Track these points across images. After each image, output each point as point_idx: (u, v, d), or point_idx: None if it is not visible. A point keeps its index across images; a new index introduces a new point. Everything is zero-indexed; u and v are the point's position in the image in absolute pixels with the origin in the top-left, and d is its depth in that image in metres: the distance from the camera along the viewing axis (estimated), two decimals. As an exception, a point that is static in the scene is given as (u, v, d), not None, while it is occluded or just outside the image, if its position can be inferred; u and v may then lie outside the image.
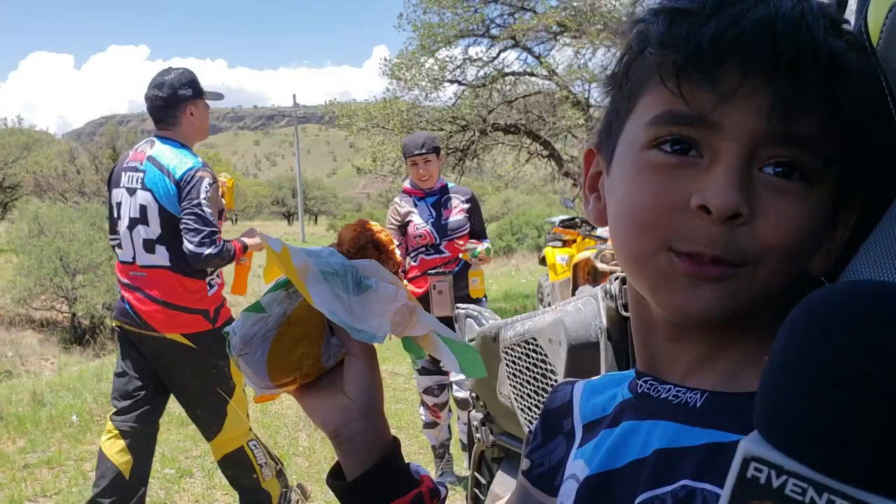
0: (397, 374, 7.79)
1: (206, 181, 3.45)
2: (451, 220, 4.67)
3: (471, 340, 1.86)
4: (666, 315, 0.62)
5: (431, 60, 12.96)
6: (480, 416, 1.92)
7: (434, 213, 4.69)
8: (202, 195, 3.37)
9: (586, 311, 1.31)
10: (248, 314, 0.76)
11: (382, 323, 0.76)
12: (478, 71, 13.28)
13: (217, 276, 3.66)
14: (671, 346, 0.66)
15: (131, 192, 3.58)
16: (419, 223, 4.68)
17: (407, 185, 4.80)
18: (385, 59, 13.45)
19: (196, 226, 3.31)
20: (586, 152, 0.71)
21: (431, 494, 0.77)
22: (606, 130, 0.67)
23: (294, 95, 47.28)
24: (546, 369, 1.43)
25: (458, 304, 2.01)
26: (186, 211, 3.36)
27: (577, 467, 0.72)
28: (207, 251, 3.29)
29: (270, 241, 0.73)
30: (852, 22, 0.85)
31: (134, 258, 3.56)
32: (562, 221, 9.80)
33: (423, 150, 4.52)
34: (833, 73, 0.55)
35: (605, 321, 1.28)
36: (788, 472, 0.32)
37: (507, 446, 1.87)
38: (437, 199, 4.72)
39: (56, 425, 6.55)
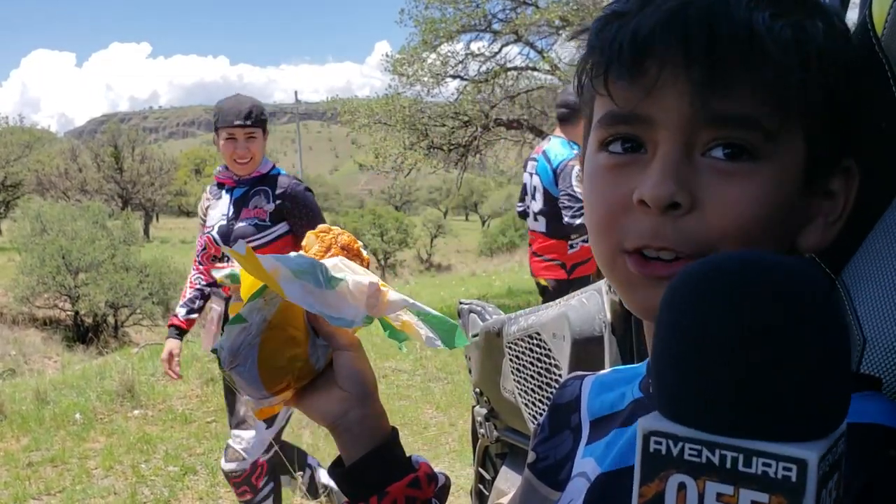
0: (400, 371, 7.80)
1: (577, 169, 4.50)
2: (237, 225, 3.41)
3: (474, 335, 1.86)
4: (638, 316, 0.62)
5: (433, 56, 12.94)
6: (484, 411, 1.92)
7: (233, 212, 3.45)
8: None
9: (590, 306, 1.31)
10: (232, 326, 0.79)
11: (357, 308, 0.80)
12: (480, 66, 13.25)
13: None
14: None
15: None
16: (209, 224, 3.54)
17: (219, 169, 3.58)
18: (387, 55, 13.44)
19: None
20: (578, 163, 0.73)
21: (428, 479, 0.79)
22: (584, 140, 0.68)
23: (296, 92, 47.22)
24: (550, 364, 1.43)
25: (462, 300, 2.00)
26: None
27: (586, 465, 0.71)
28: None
29: (235, 247, 0.74)
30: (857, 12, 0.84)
31: None
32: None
33: (247, 122, 3.31)
34: (752, 47, 0.54)
35: (608, 315, 1.28)
36: (683, 438, 0.35)
37: (511, 442, 1.88)
38: (244, 193, 3.45)
39: (59, 423, 6.57)
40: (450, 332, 0.87)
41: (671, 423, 0.36)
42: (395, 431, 0.83)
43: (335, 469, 0.81)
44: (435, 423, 6.30)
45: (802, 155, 0.59)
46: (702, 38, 0.54)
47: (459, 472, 5.27)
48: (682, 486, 0.34)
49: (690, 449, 0.34)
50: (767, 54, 0.55)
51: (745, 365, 0.34)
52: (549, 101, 12.71)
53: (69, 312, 18.90)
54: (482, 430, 1.94)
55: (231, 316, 0.81)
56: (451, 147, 12.84)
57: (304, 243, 0.90)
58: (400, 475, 0.78)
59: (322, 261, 0.84)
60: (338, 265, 0.84)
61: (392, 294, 0.86)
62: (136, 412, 6.91)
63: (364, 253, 0.91)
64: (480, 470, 2.04)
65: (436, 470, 0.82)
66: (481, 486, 2.02)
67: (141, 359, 9.28)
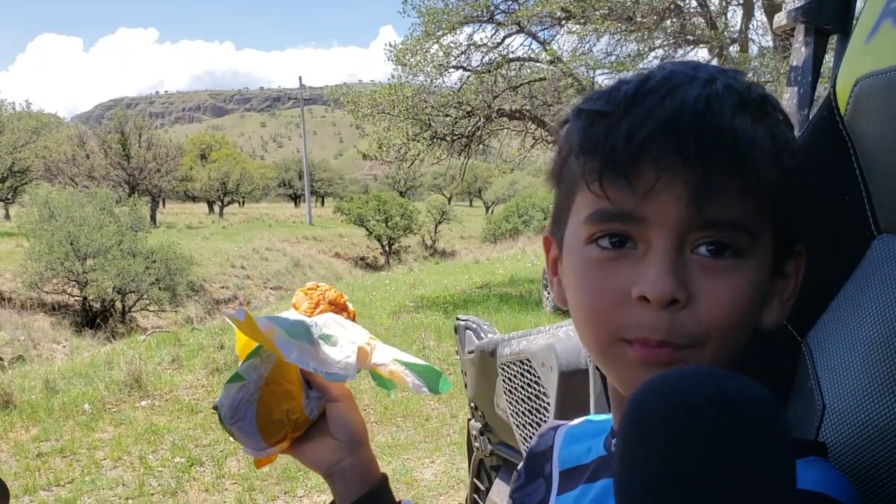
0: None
1: None
2: None
3: (470, 352, 1.91)
4: (627, 396, 0.66)
5: (436, 46, 12.91)
6: (479, 425, 1.98)
7: None
8: None
9: (577, 338, 1.35)
10: (231, 385, 0.84)
11: (349, 362, 0.86)
12: (482, 57, 13.22)
13: None
14: None
15: None
16: None
17: None
18: (390, 45, 13.42)
19: None
20: (544, 238, 0.75)
21: None
22: (556, 221, 0.71)
23: (300, 77, 46.99)
24: (539, 391, 1.48)
25: (459, 316, 2.05)
26: None
27: None
28: None
29: (236, 314, 0.79)
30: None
31: None
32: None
33: None
34: (742, 155, 0.58)
35: (594, 350, 1.32)
36: None
37: (504, 456, 1.93)
38: None
39: (69, 413, 6.66)
40: (434, 380, 0.93)
41: None
42: (384, 477, 0.89)
43: None
44: (437, 415, 6.37)
45: (771, 245, 0.63)
46: (696, 147, 0.57)
47: (460, 464, 5.34)
48: None
49: None
50: (753, 162, 0.58)
51: (697, 487, 0.40)
52: (552, 91, 12.70)
53: (77, 298, 19.04)
54: (477, 444, 1.99)
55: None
56: (455, 137, 12.85)
57: (293, 301, 0.96)
58: None
59: (313, 318, 0.90)
60: (328, 322, 0.90)
61: (380, 347, 0.92)
62: (143, 403, 7.00)
63: (350, 307, 0.97)
64: (475, 481, 2.09)
65: None
66: (476, 497, 2.08)
67: (148, 347, 9.37)
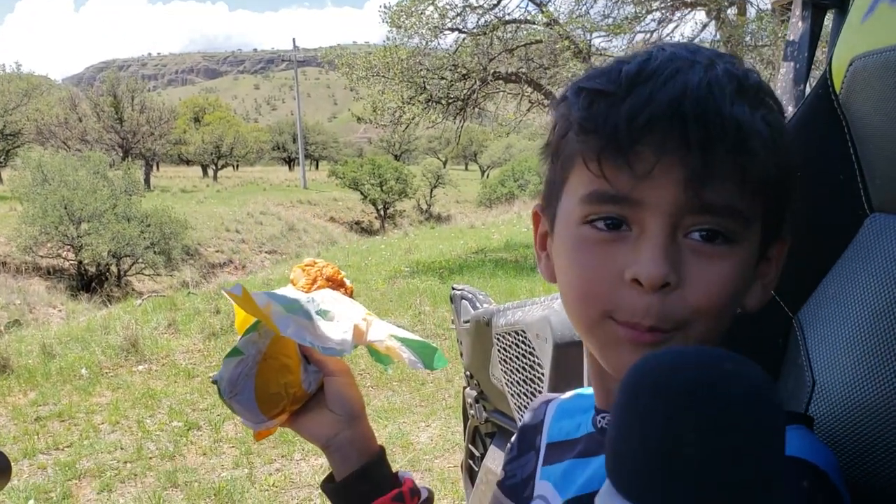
0: (399, 327, 7.89)
1: None
2: None
3: (466, 322, 1.93)
4: (613, 375, 0.67)
5: (431, 8, 12.75)
6: (474, 393, 2.00)
7: None
8: None
9: (571, 311, 1.36)
10: (229, 359, 0.86)
11: (345, 338, 0.87)
12: (478, 18, 13.06)
13: None
14: None
15: None
16: None
17: None
18: (385, 6, 13.24)
19: None
20: (533, 213, 0.75)
21: (412, 493, 0.88)
22: (547, 196, 0.71)
23: (294, 39, 46.49)
24: (534, 362, 1.50)
25: (455, 285, 2.07)
26: None
27: (544, 488, 0.78)
28: None
29: (233, 289, 0.80)
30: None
31: None
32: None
33: None
34: (741, 141, 0.59)
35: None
36: None
37: (499, 423, 1.96)
38: None
39: (66, 378, 6.69)
40: (430, 356, 0.94)
41: (621, 497, 0.42)
42: (382, 450, 0.91)
43: (327, 484, 0.90)
44: (432, 380, 6.42)
45: (760, 231, 0.64)
46: (699, 132, 0.57)
47: (455, 427, 5.41)
48: None
49: None
50: (751, 149, 0.59)
51: (696, 469, 0.40)
52: (548, 54, 12.58)
53: (72, 262, 19.02)
54: (472, 411, 2.02)
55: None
56: (450, 100, 12.75)
57: (291, 277, 0.97)
58: (385, 490, 0.86)
59: (311, 294, 0.91)
60: (325, 298, 0.91)
61: (377, 323, 0.93)
62: (140, 367, 7.04)
63: (347, 282, 0.98)
64: (471, 447, 2.12)
65: (420, 486, 0.90)
66: (471, 462, 2.11)
67: (144, 312, 9.38)
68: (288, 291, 0.93)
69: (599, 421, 0.75)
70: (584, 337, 0.68)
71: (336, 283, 0.96)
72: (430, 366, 0.93)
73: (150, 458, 5.10)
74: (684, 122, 0.57)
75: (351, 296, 0.97)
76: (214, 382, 0.86)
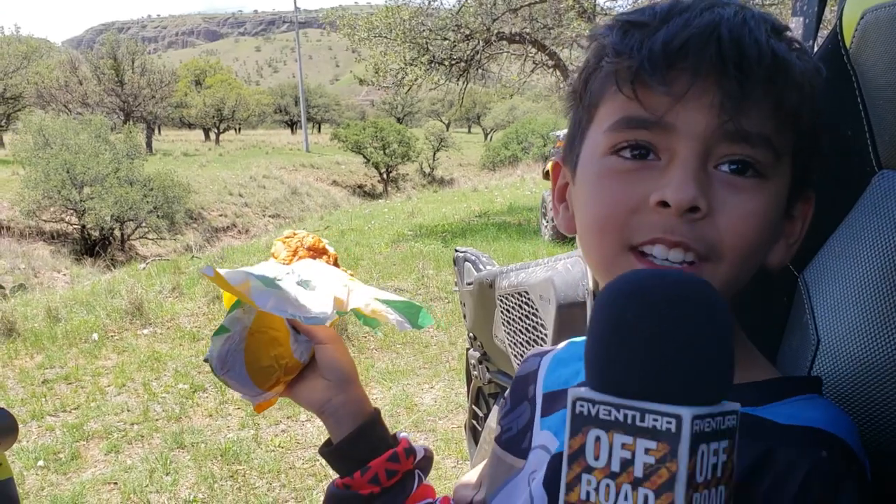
0: (402, 290, 7.92)
1: None
2: None
3: (469, 284, 1.93)
4: None
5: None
6: (478, 355, 2.01)
7: None
8: None
9: (574, 272, 1.37)
10: (217, 337, 0.86)
11: (328, 305, 0.87)
12: (482, -23, 12.90)
13: None
14: None
15: None
16: None
17: None
18: (387, -35, 13.07)
19: None
20: (553, 165, 0.75)
21: (406, 453, 0.89)
22: (570, 144, 0.70)
23: (295, 0, 45.98)
24: (537, 322, 1.50)
25: (458, 248, 2.06)
26: None
27: (545, 438, 0.78)
28: None
29: (205, 269, 0.80)
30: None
31: None
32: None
33: None
34: (777, 70, 0.58)
35: (591, 283, 1.34)
36: (598, 402, 0.44)
37: (502, 384, 1.97)
38: None
39: (72, 341, 6.73)
40: (415, 315, 0.94)
41: (592, 391, 0.46)
42: (376, 413, 0.91)
43: (325, 448, 0.91)
44: (436, 343, 6.46)
45: (789, 179, 0.63)
46: (735, 56, 0.57)
47: (459, 389, 5.45)
48: (598, 439, 0.44)
49: (603, 409, 0.44)
50: (787, 80, 0.59)
51: (644, 349, 0.44)
52: (553, 14, 12.42)
53: (76, 226, 19.05)
54: (475, 372, 2.03)
55: None
56: (453, 62, 12.63)
57: (272, 250, 0.97)
58: (381, 451, 0.87)
59: (291, 265, 0.91)
60: (306, 268, 0.91)
61: (358, 288, 0.92)
62: (145, 330, 7.08)
63: (330, 250, 0.98)
64: (474, 407, 2.14)
65: (416, 445, 0.91)
66: (475, 423, 2.13)
67: (148, 276, 9.41)
68: (269, 265, 0.92)
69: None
70: (600, 276, 0.68)
71: (318, 252, 0.96)
72: (416, 324, 0.93)
73: (157, 419, 5.15)
74: (720, 44, 0.57)
75: (336, 262, 0.97)
76: (206, 361, 0.87)
